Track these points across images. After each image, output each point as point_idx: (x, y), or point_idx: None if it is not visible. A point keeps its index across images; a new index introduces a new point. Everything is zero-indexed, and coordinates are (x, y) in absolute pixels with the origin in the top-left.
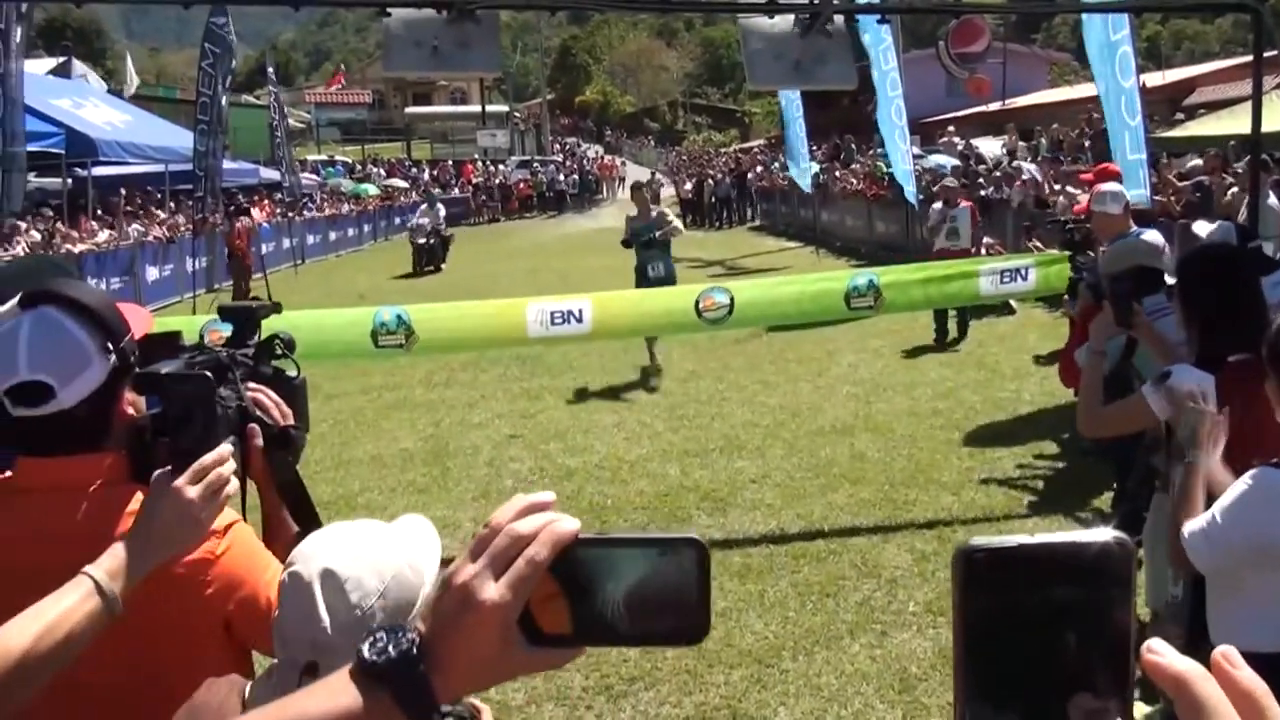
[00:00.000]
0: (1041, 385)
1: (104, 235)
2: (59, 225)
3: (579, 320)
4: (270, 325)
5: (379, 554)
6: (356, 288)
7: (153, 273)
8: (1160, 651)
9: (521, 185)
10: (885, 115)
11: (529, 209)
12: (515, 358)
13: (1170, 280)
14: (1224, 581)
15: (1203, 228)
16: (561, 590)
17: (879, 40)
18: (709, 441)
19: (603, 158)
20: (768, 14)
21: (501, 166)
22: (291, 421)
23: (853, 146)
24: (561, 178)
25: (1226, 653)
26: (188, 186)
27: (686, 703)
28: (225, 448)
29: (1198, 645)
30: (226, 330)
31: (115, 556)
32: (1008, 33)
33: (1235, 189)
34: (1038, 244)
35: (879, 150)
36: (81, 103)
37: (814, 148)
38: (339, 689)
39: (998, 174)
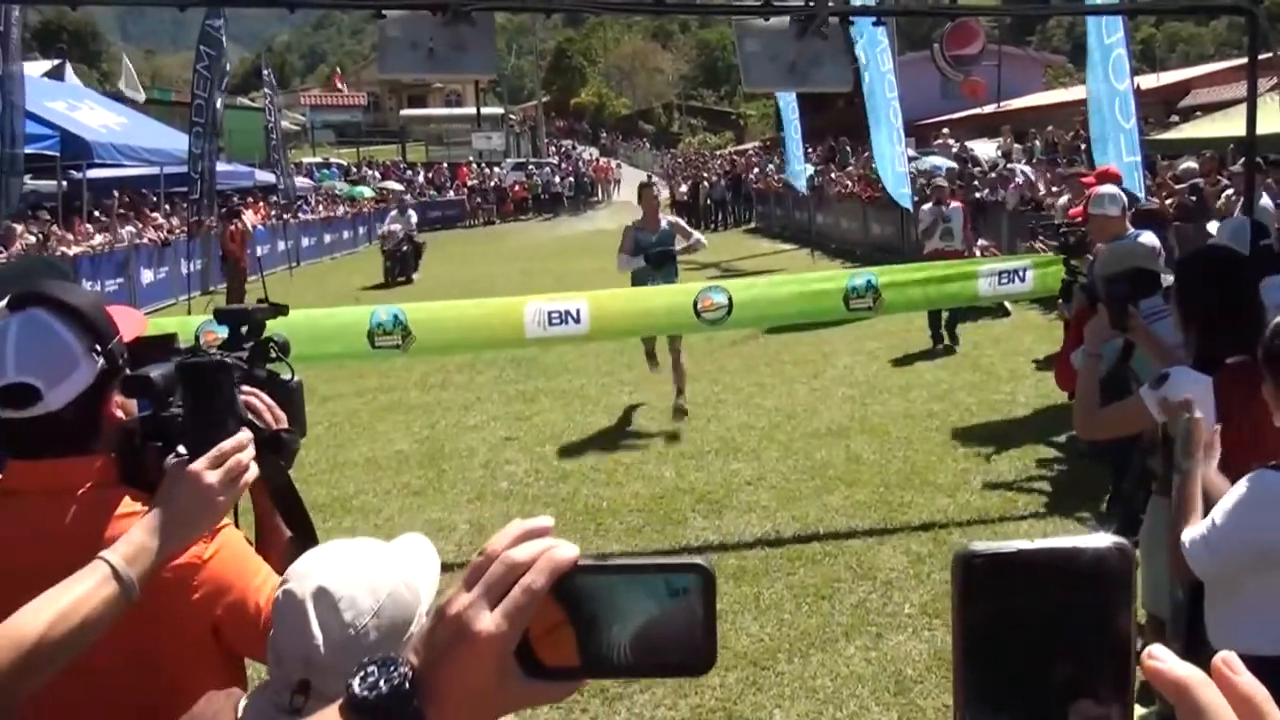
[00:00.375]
0: (1036, 387)
1: (99, 238)
2: (53, 228)
3: (576, 320)
4: (269, 327)
5: (374, 572)
6: (350, 289)
7: (148, 275)
8: (1161, 657)
9: (516, 188)
10: (882, 117)
11: (524, 211)
12: (511, 360)
13: (1167, 282)
14: (1223, 586)
15: (1215, 226)
16: (561, 620)
17: (875, 43)
18: (704, 443)
19: (598, 160)
20: (763, 16)
21: (496, 169)
22: (284, 425)
23: (848, 149)
24: (557, 180)
25: (1226, 658)
26: (183, 189)
27: (682, 705)
28: (245, 434)
29: (1197, 650)
30: (222, 332)
31: (132, 541)
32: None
33: (1230, 191)
34: (1042, 245)
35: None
36: (76, 105)
37: (809, 150)
38: None
39: (993, 176)
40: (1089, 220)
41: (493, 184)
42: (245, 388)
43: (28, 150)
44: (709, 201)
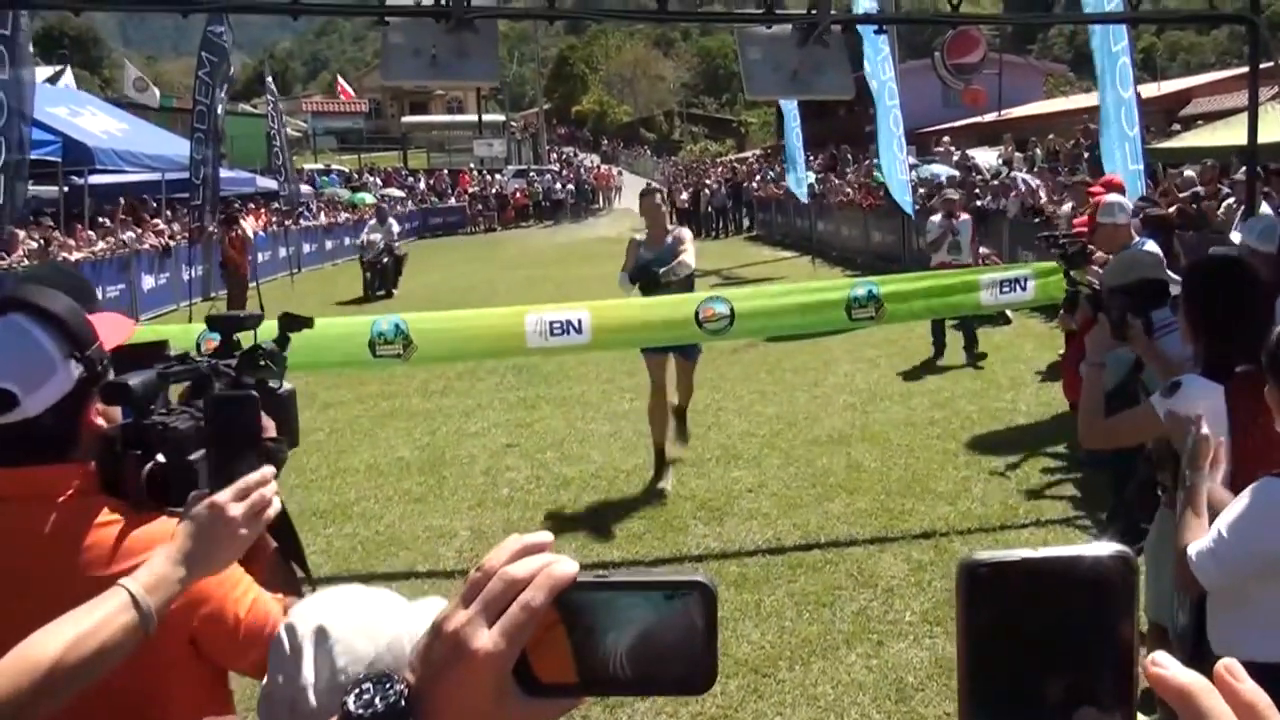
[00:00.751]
0: (1038, 395)
1: (100, 244)
2: (55, 233)
3: (578, 331)
4: (267, 334)
5: (379, 620)
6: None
7: (149, 281)
8: (1164, 664)
9: (518, 195)
10: (883, 125)
11: (525, 218)
12: (512, 367)
13: (1176, 290)
14: (1227, 594)
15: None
16: (560, 637)
17: (876, 51)
18: (705, 451)
19: (599, 167)
20: (765, 24)
21: (498, 176)
22: (273, 435)
23: (849, 157)
24: (558, 187)
25: (1229, 665)
26: (184, 195)
27: (683, 713)
28: (268, 468)
29: (1200, 658)
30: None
31: (153, 570)
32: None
33: (1231, 200)
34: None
35: (874, 160)
36: (78, 110)
37: (810, 157)
38: None
39: (994, 184)
40: (1097, 229)
41: (494, 191)
42: None
43: (30, 156)
44: (710, 209)
